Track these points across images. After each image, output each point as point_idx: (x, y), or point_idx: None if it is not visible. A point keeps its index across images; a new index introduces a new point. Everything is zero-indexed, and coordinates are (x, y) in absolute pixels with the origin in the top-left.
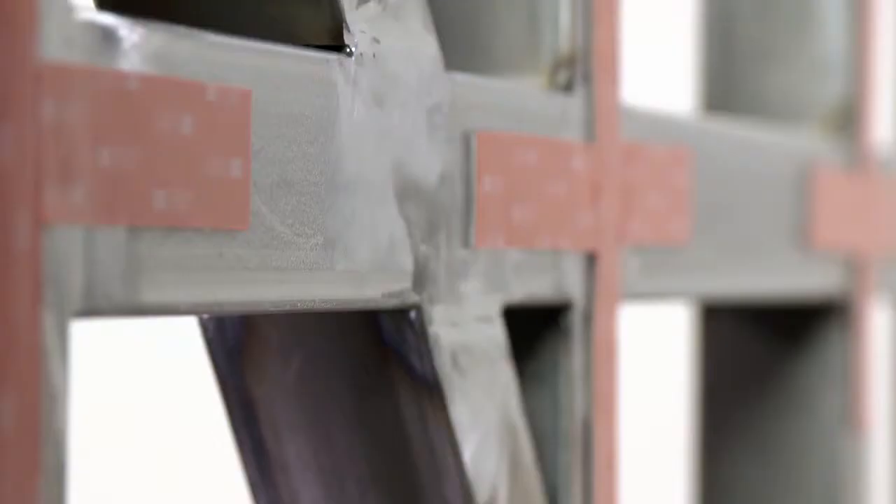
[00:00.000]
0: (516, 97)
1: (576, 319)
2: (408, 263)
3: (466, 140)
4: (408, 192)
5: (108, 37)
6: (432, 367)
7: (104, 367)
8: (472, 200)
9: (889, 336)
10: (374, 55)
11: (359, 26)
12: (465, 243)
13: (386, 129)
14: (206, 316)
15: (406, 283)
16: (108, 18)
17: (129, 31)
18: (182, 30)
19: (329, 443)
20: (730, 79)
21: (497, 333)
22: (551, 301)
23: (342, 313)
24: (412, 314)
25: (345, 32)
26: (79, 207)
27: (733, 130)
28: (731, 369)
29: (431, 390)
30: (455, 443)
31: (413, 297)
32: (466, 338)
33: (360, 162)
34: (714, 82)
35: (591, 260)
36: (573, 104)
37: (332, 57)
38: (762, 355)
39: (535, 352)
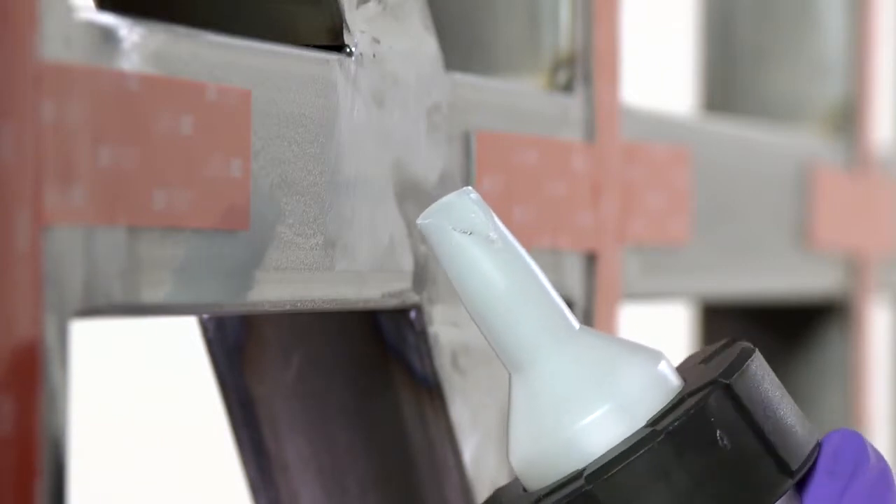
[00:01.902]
0: (516, 97)
1: None
2: (408, 263)
3: (466, 140)
4: (408, 192)
5: (108, 37)
6: (432, 367)
7: (104, 367)
8: None
9: (889, 336)
10: (374, 55)
11: (359, 26)
12: None
13: (386, 129)
14: (206, 316)
15: (406, 283)
16: (108, 18)
17: (129, 31)
18: (182, 30)
19: (329, 443)
20: (730, 79)
21: None
22: None
23: (342, 313)
24: (412, 314)
25: (345, 32)
26: (79, 207)
27: (733, 130)
28: None
29: (431, 390)
30: (455, 443)
31: (413, 297)
32: (466, 338)
33: (360, 162)
34: (714, 82)
35: (591, 260)
36: (573, 104)
37: (332, 57)
38: (762, 355)
39: None
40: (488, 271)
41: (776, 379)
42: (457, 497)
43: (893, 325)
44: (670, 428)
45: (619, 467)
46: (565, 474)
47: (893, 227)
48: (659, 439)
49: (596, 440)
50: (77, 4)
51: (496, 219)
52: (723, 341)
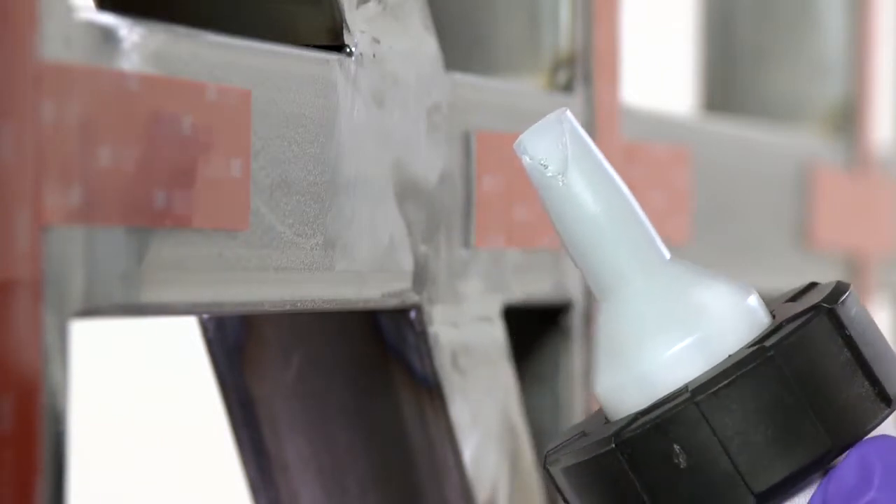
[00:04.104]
0: (516, 97)
1: (576, 319)
2: (408, 263)
3: (466, 140)
4: (408, 192)
5: (108, 37)
6: (432, 367)
7: (104, 367)
8: (472, 200)
9: (889, 336)
10: (374, 55)
11: (359, 26)
12: (465, 243)
13: (386, 129)
14: (206, 316)
15: (406, 283)
16: (108, 18)
17: (129, 31)
18: (182, 30)
19: (329, 443)
20: (730, 79)
21: (497, 333)
22: (551, 301)
23: (342, 313)
24: (412, 314)
25: (345, 32)
26: (79, 208)
27: (733, 130)
28: None
29: (431, 390)
30: (455, 443)
31: (413, 297)
32: (466, 338)
33: (360, 162)
34: (714, 82)
35: None
36: (573, 104)
37: (332, 57)
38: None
39: (535, 352)
40: (580, 196)
41: (852, 341)
42: (457, 497)
43: (893, 325)
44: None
45: (724, 384)
46: (649, 403)
47: (893, 227)
48: (761, 360)
49: (681, 370)
50: (77, 4)
51: (588, 145)
52: (833, 282)
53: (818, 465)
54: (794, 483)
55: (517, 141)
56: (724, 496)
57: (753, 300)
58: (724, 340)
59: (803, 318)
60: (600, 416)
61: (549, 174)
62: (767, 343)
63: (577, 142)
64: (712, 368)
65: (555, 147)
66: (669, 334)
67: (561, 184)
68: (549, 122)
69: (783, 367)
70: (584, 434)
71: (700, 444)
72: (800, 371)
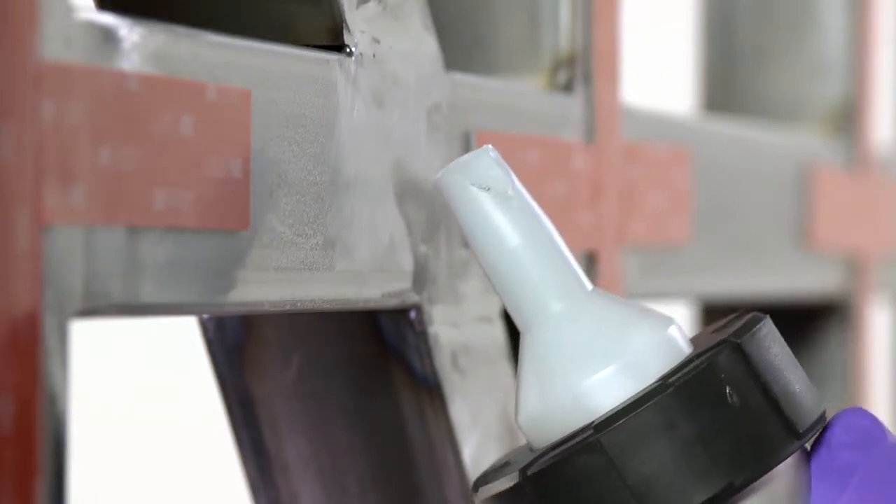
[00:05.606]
0: (516, 97)
1: None
2: (408, 263)
3: (466, 140)
4: (408, 192)
5: (108, 37)
6: (432, 367)
7: (104, 367)
8: None
9: (889, 336)
10: (374, 55)
11: (359, 26)
12: (466, 243)
13: (386, 128)
14: (206, 316)
15: (406, 283)
16: (108, 18)
17: (129, 31)
18: (182, 30)
19: (329, 443)
20: (730, 79)
21: (497, 333)
22: None
23: (342, 313)
24: (412, 314)
25: (345, 32)
26: (79, 207)
27: (733, 130)
28: None
29: (431, 390)
30: (455, 443)
31: (413, 297)
32: (466, 338)
33: (360, 162)
34: (714, 82)
35: (591, 260)
36: (573, 104)
37: (332, 57)
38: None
39: None
40: (503, 228)
41: (787, 347)
42: (457, 497)
43: (893, 325)
44: (679, 382)
45: (627, 417)
46: (572, 431)
47: (893, 227)
48: (667, 392)
49: (603, 398)
50: (77, 4)
51: (514, 177)
52: (735, 314)
53: (823, 420)
54: (819, 426)
55: (440, 177)
56: (771, 437)
57: (674, 330)
58: (646, 368)
59: (710, 353)
60: (525, 448)
61: (494, 197)
62: (668, 381)
63: (505, 172)
64: (620, 404)
65: (492, 173)
66: (593, 362)
67: (511, 197)
68: (478, 154)
69: (688, 401)
70: (508, 464)
71: (746, 385)
72: (704, 405)
